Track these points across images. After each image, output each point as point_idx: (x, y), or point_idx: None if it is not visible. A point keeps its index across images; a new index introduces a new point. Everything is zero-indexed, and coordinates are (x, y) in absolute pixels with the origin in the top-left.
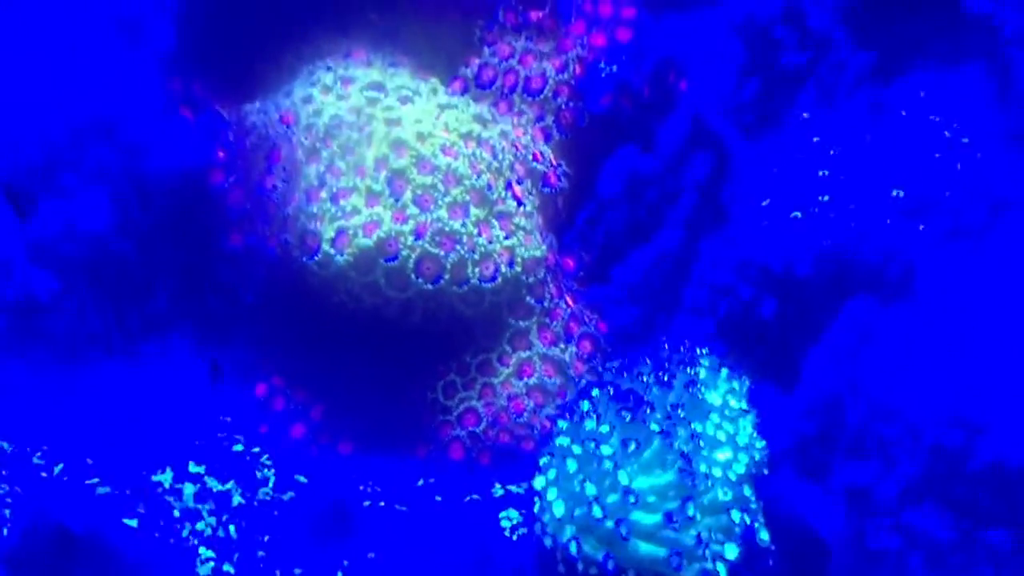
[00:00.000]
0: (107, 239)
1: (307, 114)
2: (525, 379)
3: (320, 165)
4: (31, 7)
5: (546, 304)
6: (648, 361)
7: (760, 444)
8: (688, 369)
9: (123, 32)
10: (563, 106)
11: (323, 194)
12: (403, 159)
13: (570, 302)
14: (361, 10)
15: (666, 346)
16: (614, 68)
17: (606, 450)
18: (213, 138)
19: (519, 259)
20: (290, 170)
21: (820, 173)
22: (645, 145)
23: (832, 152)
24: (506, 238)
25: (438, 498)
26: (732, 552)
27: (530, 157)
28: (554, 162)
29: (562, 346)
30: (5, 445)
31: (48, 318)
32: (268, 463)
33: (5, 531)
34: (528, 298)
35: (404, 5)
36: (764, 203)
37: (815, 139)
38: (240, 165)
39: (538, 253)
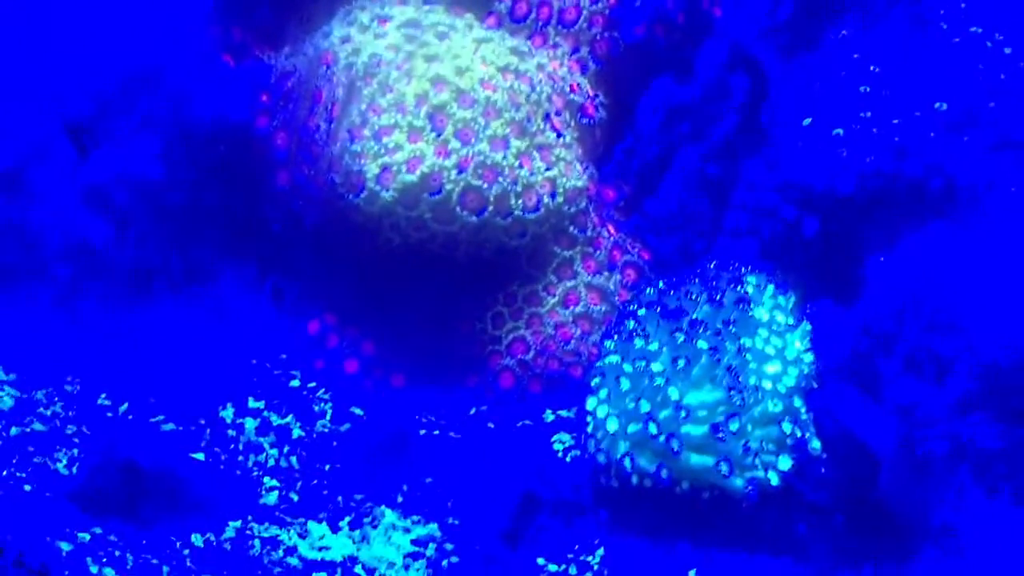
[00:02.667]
0: (158, 184)
1: (346, 53)
2: (571, 307)
3: (362, 103)
4: None
5: (589, 233)
6: (696, 280)
7: (809, 358)
8: (736, 287)
9: None
10: (598, 37)
11: (366, 132)
12: (443, 94)
13: (612, 231)
14: None
15: (712, 265)
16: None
17: (656, 367)
18: (256, 82)
19: (561, 189)
20: (332, 110)
21: (862, 89)
22: (681, 73)
23: (873, 68)
24: (547, 169)
25: (491, 425)
26: (785, 463)
27: (567, 89)
28: (591, 93)
29: (606, 274)
30: (69, 387)
31: (103, 262)
32: (325, 397)
33: (75, 469)
34: (571, 228)
35: None
36: (806, 122)
37: (855, 56)
38: (283, 107)
39: (579, 183)
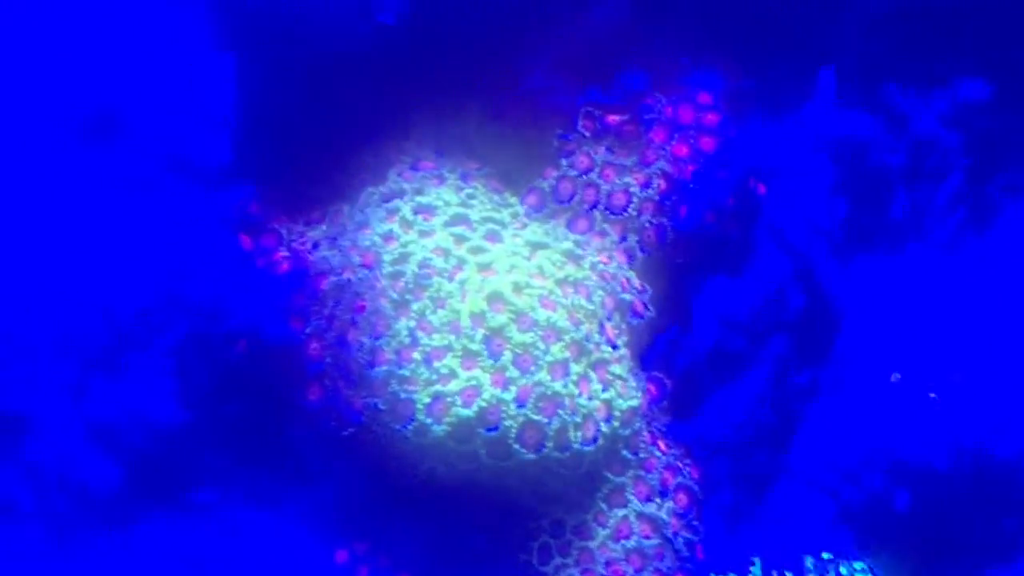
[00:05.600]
0: (174, 425)
1: (391, 257)
2: (623, 541)
3: (411, 320)
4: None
5: (641, 455)
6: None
7: None
8: None
9: (180, 172)
10: (646, 224)
11: (415, 355)
12: (501, 315)
13: (663, 448)
14: (426, 113)
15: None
16: (698, 182)
17: None
18: (289, 284)
19: (617, 412)
20: (377, 324)
21: (947, 344)
22: (732, 266)
23: (951, 307)
24: (604, 390)
25: None
26: None
27: (618, 288)
28: (639, 287)
29: (658, 501)
30: None
31: (107, 508)
32: None
33: None
34: (624, 451)
35: (474, 110)
36: (894, 378)
37: (929, 283)
38: (318, 313)
39: (635, 402)
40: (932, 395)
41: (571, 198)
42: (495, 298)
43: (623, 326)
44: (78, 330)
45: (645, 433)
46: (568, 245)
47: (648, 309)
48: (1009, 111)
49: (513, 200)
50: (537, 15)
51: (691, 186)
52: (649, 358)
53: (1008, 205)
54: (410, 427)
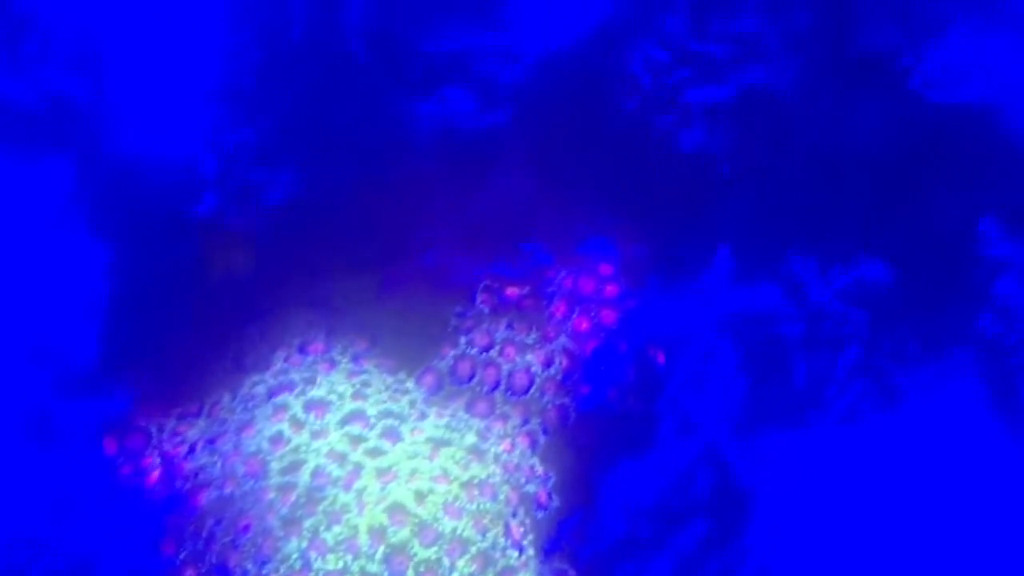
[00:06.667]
0: None
1: (281, 465)
2: None
3: (302, 540)
4: None
5: None
6: None
7: None
8: None
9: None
10: (549, 405)
11: None
12: (403, 529)
13: None
14: (314, 291)
15: None
16: (600, 359)
17: None
18: (162, 499)
19: None
20: (263, 546)
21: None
22: (636, 446)
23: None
24: None
25: None
26: None
27: (522, 480)
28: (542, 474)
29: None
30: None
31: None
32: None
33: None
34: None
35: (366, 285)
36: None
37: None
38: (194, 533)
39: None
40: None
41: (470, 379)
42: (396, 509)
43: (528, 521)
44: None
45: None
46: (472, 439)
47: (552, 499)
48: (906, 286)
49: (410, 384)
50: (432, 188)
51: (593, 363)
52: (553, 548)
53: (905, 377)
54: None
